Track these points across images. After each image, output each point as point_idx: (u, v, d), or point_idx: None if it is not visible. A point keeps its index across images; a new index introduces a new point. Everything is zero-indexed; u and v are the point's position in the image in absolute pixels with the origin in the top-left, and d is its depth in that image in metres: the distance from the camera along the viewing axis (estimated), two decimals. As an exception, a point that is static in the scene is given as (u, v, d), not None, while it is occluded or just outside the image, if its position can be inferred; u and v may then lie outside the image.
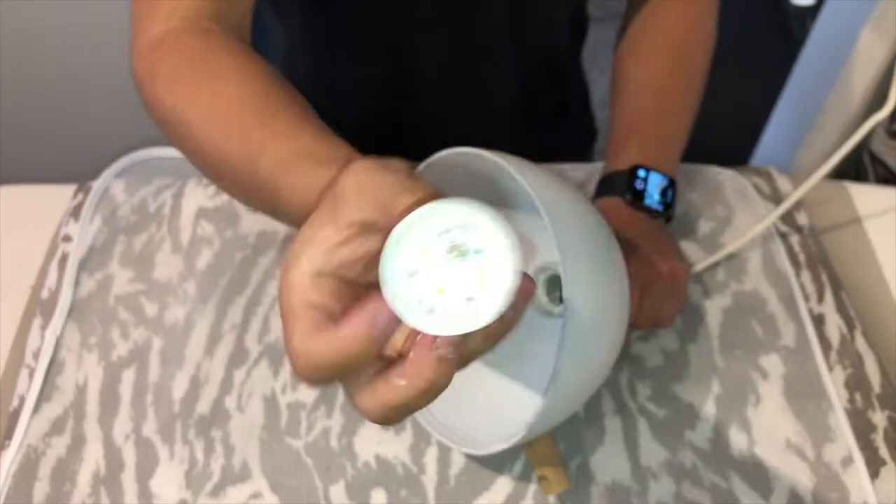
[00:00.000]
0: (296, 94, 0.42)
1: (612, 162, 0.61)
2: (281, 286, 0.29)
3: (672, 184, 0.60)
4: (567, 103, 0.82)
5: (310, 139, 0.37)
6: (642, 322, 0.57)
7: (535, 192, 0.41)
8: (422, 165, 0.49)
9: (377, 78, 0.72)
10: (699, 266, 0.64)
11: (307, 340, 0.28)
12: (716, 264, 0.65)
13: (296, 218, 0.35)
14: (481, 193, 0.52)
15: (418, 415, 0.54)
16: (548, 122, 0.81)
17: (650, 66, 0.64)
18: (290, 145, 0.37)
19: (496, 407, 0.55)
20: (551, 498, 0.53)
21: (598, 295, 0.45)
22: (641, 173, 0.59)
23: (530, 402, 0.54)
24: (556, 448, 0.53)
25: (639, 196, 0.58)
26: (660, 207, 0.59)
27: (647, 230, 0.58)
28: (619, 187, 0.59)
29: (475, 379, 0.56)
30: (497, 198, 0.54)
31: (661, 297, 0.56)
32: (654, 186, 0.59)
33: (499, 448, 0.47)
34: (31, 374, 0.58)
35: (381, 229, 0.29)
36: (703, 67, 0.65)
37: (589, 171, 0.72)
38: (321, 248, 0.29)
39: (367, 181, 0.30)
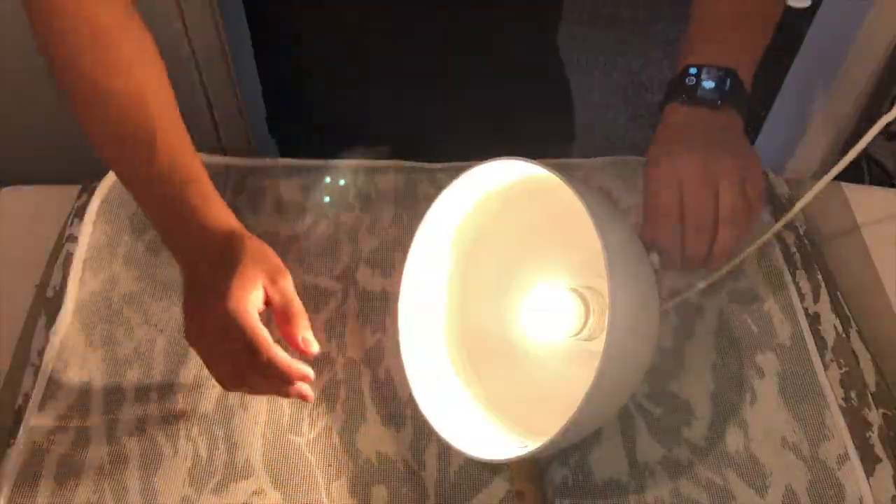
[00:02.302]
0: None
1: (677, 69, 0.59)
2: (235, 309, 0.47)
3: (731, 74, 0.56)
4: (538, 101, 0.82)
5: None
6: (692, 246, 0.53)
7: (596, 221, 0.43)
8: (464, 175, 0.52)
9: (346, 82, 0.73)
10: (702, 284, 0.61)
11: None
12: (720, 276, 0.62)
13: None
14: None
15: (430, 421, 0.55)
16: (517, 119, 0.81)
17: None
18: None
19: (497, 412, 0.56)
20: (548, 496, 0.53)
21: (635, 322, 0.46)
22: (692, 70, 0.56)
23: (532, 411, 0.55)
24: (539, 467, 0.54)
25: (691, 91, 0.56)
26: (714, 96, 0.55)
27: (704, 128, 0.56)
28: (674, 91, 0.57)
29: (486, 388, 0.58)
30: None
31: (709, 208, 0.52)
32: (707, 79, 0.56)
33: (504, 458, 0.48)
34: (36, 372, 0.59)
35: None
36: None
37: (587, 171, 0.73)
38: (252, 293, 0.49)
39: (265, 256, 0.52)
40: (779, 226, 0.61)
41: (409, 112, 0.77)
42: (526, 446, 0.47)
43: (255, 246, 0.52)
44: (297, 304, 0.52)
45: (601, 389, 0.43)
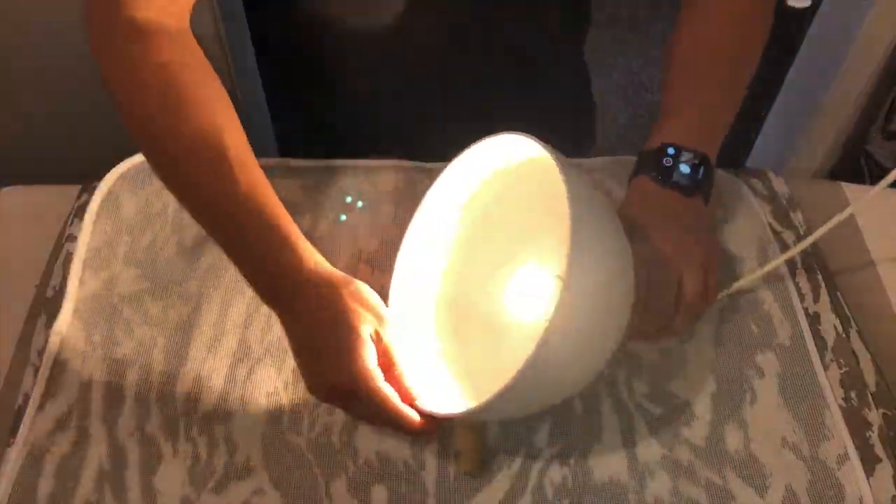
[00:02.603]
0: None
1: (650, 139, 0.61)
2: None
3: (705, 161, 0.58)
4: (552, 100, 0.82)
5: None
6: (648, 322, 0.55)
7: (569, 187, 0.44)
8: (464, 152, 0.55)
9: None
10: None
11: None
12: (728, 295, 0.63)
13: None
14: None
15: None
16: (534, 117, 0.81)
17: (704, 45, 0.63)
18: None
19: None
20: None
21: (597, 296, 0.46)
22: (671, 151, 0.58)
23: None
24: (482, 437, 0.55)
25: (666, 173, 0.58)
26: (688, 183, 0.58)
27: (674, 211, 0.57)
28: (647, 165, 0.59)
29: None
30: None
31: (670, 291, 0.55)
32: (683, 163, 0.58)
33: (454, 411, 0.49)
34: (36, 372, 0.59)
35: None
36: (758, 48, 0.63)
37: (587, 171, 0.73)
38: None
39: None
40: (790, 254, 0.61)
41: (409, 112, 0.77)
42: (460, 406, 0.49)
43: (354, 294, 0.52)
44: (397, 359, 0.53)
45: (542, 362, 0.44)
